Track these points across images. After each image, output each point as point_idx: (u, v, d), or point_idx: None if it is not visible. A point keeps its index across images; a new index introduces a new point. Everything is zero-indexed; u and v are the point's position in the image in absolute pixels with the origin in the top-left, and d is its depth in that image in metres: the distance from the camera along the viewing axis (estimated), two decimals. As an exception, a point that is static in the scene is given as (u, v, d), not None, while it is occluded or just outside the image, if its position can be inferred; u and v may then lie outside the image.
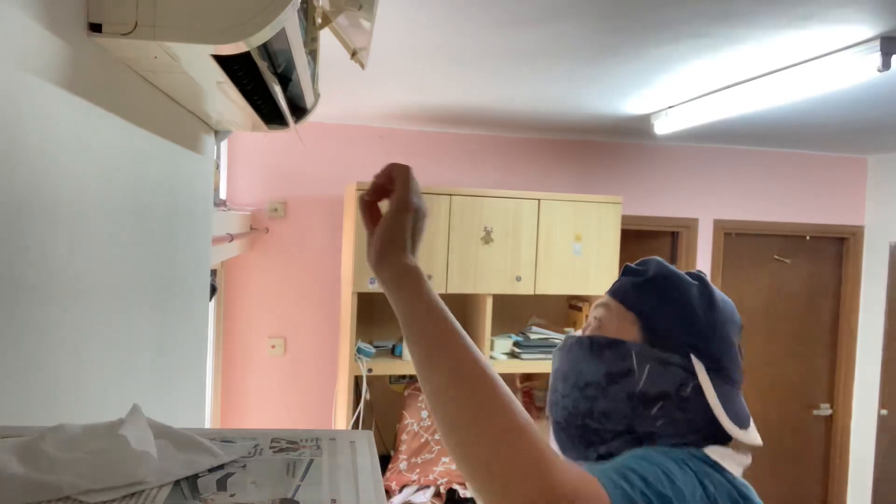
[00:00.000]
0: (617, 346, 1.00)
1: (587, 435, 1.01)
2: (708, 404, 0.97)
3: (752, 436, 0.99)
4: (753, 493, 0.91)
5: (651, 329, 1.01)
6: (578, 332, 1.10)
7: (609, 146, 4.19)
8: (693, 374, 0.98)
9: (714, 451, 0.94)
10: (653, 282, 1.04)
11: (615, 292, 1.07)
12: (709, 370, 0.99)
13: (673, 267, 1.07)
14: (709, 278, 1.08)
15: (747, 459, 0.96)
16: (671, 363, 0.98)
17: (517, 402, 0.75)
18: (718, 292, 1.06)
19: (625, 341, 1.01)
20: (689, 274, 1.08)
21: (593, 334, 1.04)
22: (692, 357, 0.99)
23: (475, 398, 0.74)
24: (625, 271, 1.10)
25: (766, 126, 3.47)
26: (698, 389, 0.98)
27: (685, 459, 0.89)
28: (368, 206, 0.94)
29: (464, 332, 0.79)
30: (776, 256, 4.53)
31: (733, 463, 0.94)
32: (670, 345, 0.99)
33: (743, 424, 0.99)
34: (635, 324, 1.02)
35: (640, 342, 1.00)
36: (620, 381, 0.98)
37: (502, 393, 0.74)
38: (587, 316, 1.14)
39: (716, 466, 0.91)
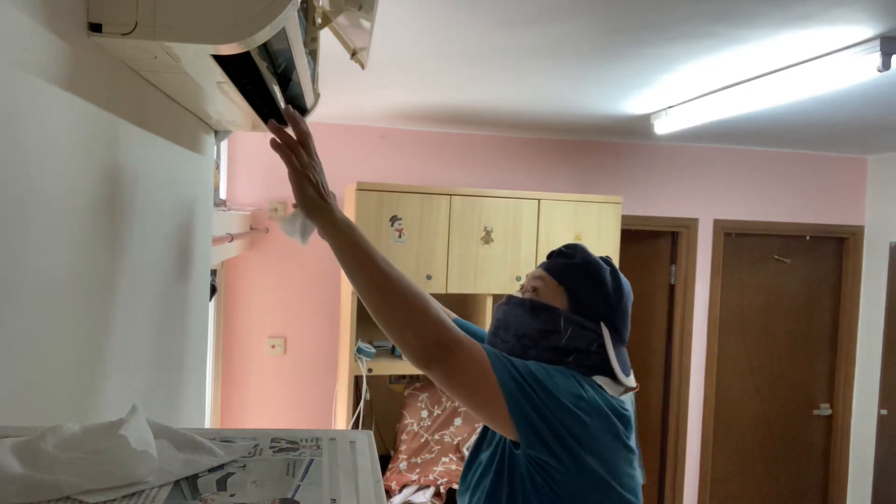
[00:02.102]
0: (551, 310, 1.34)
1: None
2: (607, 357, 1.32)
3: (631, 381, 1.36)
4: (627, 403, 1.29)
5: (576, 301, 1.35)
6: (518, 294, 1.43)
7: (609, 146, 4.19)
8: (600, 336, 1.33)
9: (598, 379, 1.31)
10: (581, 265, 1.38)
11: (551, 270, 1.40)
12: (611, 333, 1.34)
13: (592, 254, 1.42)
14: (616, 264, 1.46)
15: (621, 389, 1.34)
16: (587, 328, 1.33)
17: (421, 293, 1.22)
18: (622, 275, 1.40)
19: (557, 308, 1.35)
20: (602, 259, 1.42)
21: (534, 299, 1.37)
22: (601, 324, 1.34)
23: (389, 291, 1.21)
24: (558, 253, 1.43)
25: (766, 126, 3.47)
26: (602, 347, 1.32)
27: (573, 374, 1.26)
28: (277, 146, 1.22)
29: (373, 249, 1.24)
30: (776, 256, 4.53)
31: (611, 389, 1.31)
32: (588, 314, 1.34)
33: (627, 373, 1.36)
34: (564, 295, 1.36)
35: (566, 310, 1.35)
36: (549, 337, 1.32)
37: (409, 286, 1.22)
38: (523, 282, 1.51)
39: (596, 386, 1.28)
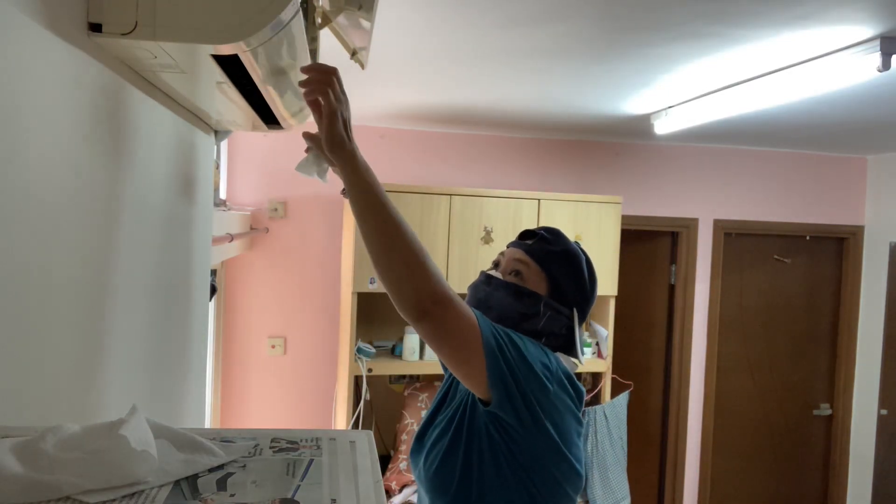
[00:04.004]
0: (533, 296, 1.40)
1: None
2: (573, 339, 1.43)
3: (584, 359, 1.50)
4: (574, 377, 1.37)
5: (556, 288, 1.42)
6: (496, 273, 1.46)
7: (609, 146, 4.19)
8: (572, 321, 1.43)
9: (559, 354, 1.43)
10: (563, 254, 1.44)
11: (535, 255, 1.44)
12: (579, 317, 1.44)
13: (570, 241, 1.48)
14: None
15: (573, 366, 1.46)
16: (562, 313, 1.41)
17: (424, 249, 1.21)
18: (592, 264, 1.48)
19: (539, 294, 1.41)
20: (576, 244, 1.48)
21: (518, 284, 1.42)
22: (574, 309, 1.43)
23: (397, 239, 1.20)
24: (540, 238, 1.46)
25: (766, 126, 3.47)
26: (571, 330, 1.42)
27: (540, 346, 1.35)
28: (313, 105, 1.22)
29: (387, 197, 1.24)
30: (776, 256, 4.53)
31: (567, 363, 1.42)
32: (565, 300, 1.42)
33: (583, 353, 1.48)
34: (546, 282, 1.42)
35: (546, 295, 1.41)
36: (529, 320, 1.39)
37: (415, 238, 1.21)
38: (501, 257, 1.52)
39: (558, 358, 1.39)
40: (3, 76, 0.67)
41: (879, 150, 4.19)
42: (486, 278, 1.46)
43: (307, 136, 1.27)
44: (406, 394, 3.62)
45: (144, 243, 1.16)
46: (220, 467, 0.60)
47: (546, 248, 1.44)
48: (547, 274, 1.42)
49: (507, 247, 1.51)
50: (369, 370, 3.33)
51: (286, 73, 1.17)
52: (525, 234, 1.49)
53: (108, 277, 0.99)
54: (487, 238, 3.43)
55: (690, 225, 4.29)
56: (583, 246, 1.52)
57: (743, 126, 3.46)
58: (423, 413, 1.58)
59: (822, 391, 4.62)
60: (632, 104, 3.04)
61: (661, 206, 4.25)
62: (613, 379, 3.67)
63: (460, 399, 1.37)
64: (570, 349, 1.44)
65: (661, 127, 3.25)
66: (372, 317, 3.70)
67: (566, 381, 1.33)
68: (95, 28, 0.83)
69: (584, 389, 1.41)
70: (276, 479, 0.58)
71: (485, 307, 1.40)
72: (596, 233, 3.57)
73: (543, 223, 3.49)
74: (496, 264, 1.49)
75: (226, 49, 0.86)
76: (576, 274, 1.44)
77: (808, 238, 4.49)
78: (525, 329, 1.37)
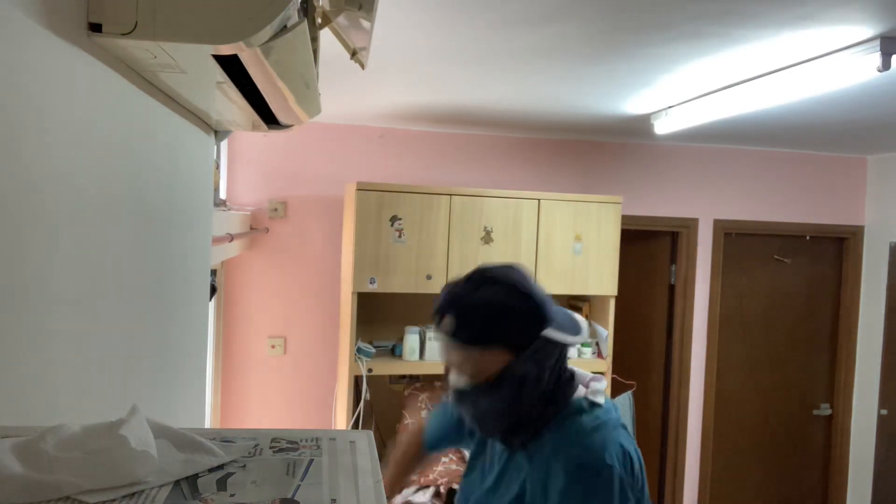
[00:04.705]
0: (503, 377, 1.25)
1: (521, 424, 1.31)
2: (564, 347, 1.31)
3: (584, 332, 1.35)
4: (628, 424, 1.32)
5: (509, 344, 1.25)
6: (459, 380, 1.30)
7: (609, 146, 4.19)
8: (552, 343, 1.27)
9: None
10: (486, 317, 1.25)
11: (469, 339, 1.26)
12: (553, 328, 1.28)
13: (487, 281, 1.28)
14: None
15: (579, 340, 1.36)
16: (538, 349, 1.26)
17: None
18: (525, 281, 1.30)
19: (504, 370, 1.24)
20: (503, 268, 1.31)
21: (479, 382, 1.26)
22: (542, 334, 1.26)
23: None
24: (453, 313, 1.26)
25: (766, 126, 3.47)
26: (554, 342, 1.28)
27: (618, 463, 1.25)
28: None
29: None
30: (776, 256, 4.53)
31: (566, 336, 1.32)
32: (527, 341, 1.25)
33: (577, 331, 1.33)
34: (496, 349, 1.25)
35: (510, 357, 1.25)
36: (523, 390, 1.25)
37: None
38: (445, 367, 1.36)
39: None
40: (2, 76, 0.67)
41: (879, 150, 4.19)
42: (455, 395, 1.33)
43: None
44: (406, 394, 3.63)
45: (144, 243, 1.16)
46: (220, 467, 0.60)
47: (469, 323, 1.25)
48: (493, 344, 1.26)
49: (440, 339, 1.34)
50: (369, 370, 3.33)
51: (287, 72, 1.16)
52: (438, 318, 1.29)
53: (108, 277, 0.99)
54: (487, 238, 3.43)
55: (690, 225, 4.29)
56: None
57: (743, 126, 3.46)
58: (469, 475, 1.46)
59: (822, 391, 4.61)
60: (632, 104, 3.04)
61: (661, 206, 4.25)
62: (615, 379, 3.67)
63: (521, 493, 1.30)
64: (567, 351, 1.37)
65: (661, 127, 3.25)
66: (372, 317, 3.70)
67: (641, 474, 1.29)
68: (95, 28, 0.83)
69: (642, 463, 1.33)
70: (276, 479, 0.58)
71: (482, 419, 1.31)
72: (596, 233, 3.57)
73: (543, 223, 3.49)
74: (447, 371, 1.34)
75: (226, 49, 0.86)
76: (512, 317, 1.26)
77: (808, 238, 4.49)
78: (536, 398, 1.27)
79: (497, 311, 1.25)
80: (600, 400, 1.33)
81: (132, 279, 1.10)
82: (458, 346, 1.28)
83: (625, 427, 1.33)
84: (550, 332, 1.27)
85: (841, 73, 2.15)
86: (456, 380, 1.31)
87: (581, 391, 1.35)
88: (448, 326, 1.26)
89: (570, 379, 1.35)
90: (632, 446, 1.30)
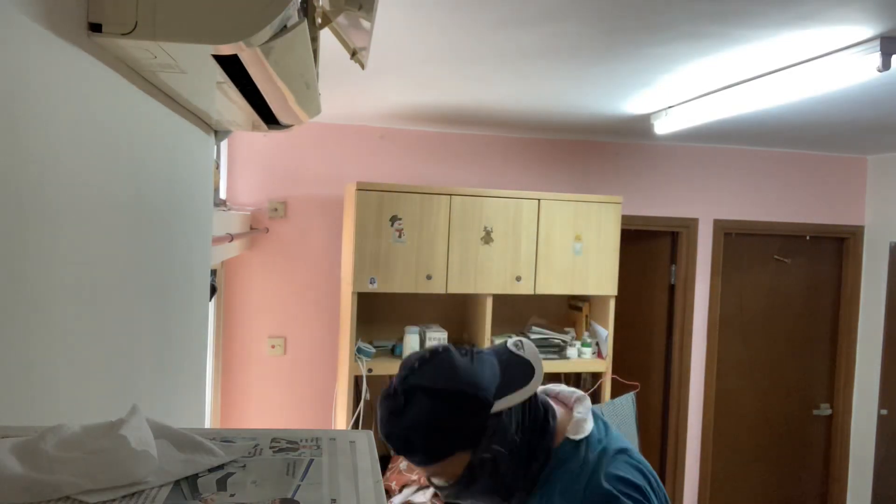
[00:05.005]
0: (473, 471, 1.19)
1: (512, 492, 1.26)
2: (519, 410, 1.21)
3: (537, 378, 1.24)
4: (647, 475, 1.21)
5: (462, 447, 1.18)
6: (438, 482, 1.26)
7: (609, 146, 4.19)
8: (505, 414, 1.19)
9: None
10: (426, 438, 1.18)
11: (422, 462, 1.22)
12: (503, 391, 1.19)
13: (411, 393, 1.19)
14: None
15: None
16: (494, 430, 1.18)
17: None
18: (449, 370, 1.19)
19: (470, 466, 1.19)
20: (424, 365, 1.21)
21: (456, 480, 1.21)
22: (490, 414, 1.18)
23: None
24: (400, 447, 1.21)
25: (767, 126, 3.47)
26: (508, 410, 1.20)
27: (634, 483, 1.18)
28: None
29: None
30: (776, 256, 4.53)
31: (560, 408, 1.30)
32: (477, 432, 1.17)
33: (529, 374, 1.23)
34: (453, 456, 1.19)
35: (470, 454, 1.18)
36: (500, 469, 1.19)
37: None
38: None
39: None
40: (3, 76, 0.67)
41: (879, 150, 4.19)
42: (444, 493, 1.27)
43: None
44: (406, 394, 3.62)
45: (144, 243, 1.16)
46: (220, 467, 0.60)
47: (411, 449, 1.20)
48: (444, 455, 1.20)
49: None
50: (369, 370, 3.33)
51: (287, 72, 1.16)
52: (388, 436, 1.23)
53: (108, 277, 0.99)
54: (487, 238, 3.43)
55: (690, 225, 4.29)
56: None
57: (743, 126, 3.46)
58: None
59: (822, 391, 4.61)
60: (632, 104, 3.04)
61: (661, 206, 4.25)
62: (616, 380, 3.67)
63: None
64: (547, 419, 1.25)
65: (661, 127, 3.25)
66: (372, 317, 3.70)
67: (654, 491, 1.20)
68: (95, 28, 0.83)
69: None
70: (276, 479, 0.58)
71: (486, 502, 1.26)
72: (596, 233, 3.57)
73: (543, 223, 3.49)
74: (430, 481, 1.30)
75: (226, 49, 0.86)
76: (448, 421, 1.18)
77: (808, 238, 4.49)
78: (514, 476, 1.22)
79: (432, 427, 1.18)
80: (586, 428, 1.26)
81: (132, 279, 1.10)
82: (418, 465, 1.25)
83: (618, 446, 1.24)
84: (500, 405, 1.19)
85: (841, 73, 2.15)
86: (437, 482, 1.27)
87: (565, 418, 1.28)
88: (399, 452, 1.23)
89: (543, 429, 1.24)
90: (630, 471, 1.20)
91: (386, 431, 1.22)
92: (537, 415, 1.24)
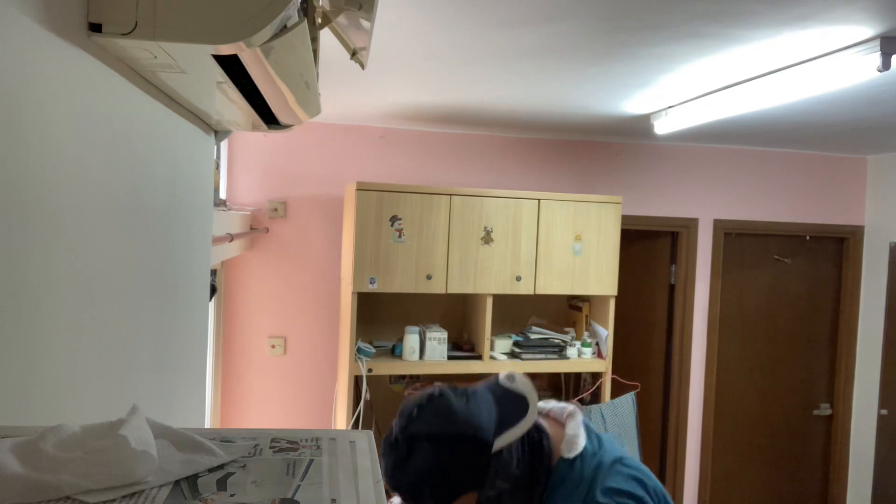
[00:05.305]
0: (494, 487, 1.21)
1: None
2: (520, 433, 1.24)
3: (532, 412, 1.27)
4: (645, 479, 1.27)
5: (469, 488, 1.21)
6: None
7: (609, 146, 4.19)
8: (507, 452, 1.22)
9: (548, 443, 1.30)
10: (432, 485, 1.20)
11: (433, 498, 1.23)
12: (501, 428, 1.22)
13: (412, 441, 1.22)
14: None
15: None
16: (496, 468, 1.20)
17: None
18: (447, 414, 1.23)
19: (486, 496, 1.21)
20: (423, 412, 1.24)
21: None
22: (491, 446, 1.21)
23: None
24: (407, 497, 1.24)
25: (767, 126, 3.47)
26: (509, 445, 1.22)
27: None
28: None
29: None
30: (776, 256, 4.53)
31: (553, 429, 1.32)
32: (481, 472, 1.20)
33: (524, 408, 1.26)
34: (462, 498, 1.22)
35: (477, 494, 1.22)
36: (506, 501, 1.23)
37: None
38: None
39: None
40: (3, 76, 0.67)
41: (879, 150, 4.19)
42: None
43: None
44: (406, 394, 3.62)
45: (144, 243, 1.16)
46: (220, 467, 0.60)
47: (419, 497, 1.23)
48: (452, 499, 1.23)
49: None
50: (369, 370, 3.33)
51: (287, 72, 1.16)
52: (395, 487, 1.26)
53: (108, 277, 0.99)
54: (487, 238, 3.43)
55: (690, 225, 4.29)
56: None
57: (743, 126, 3.46)
58: None
59: (822, 391, 4.61)
60: (632, 104, 3.04)
61: (661, 206, 4.25)
62: (616, 380, 3.66)
63: None
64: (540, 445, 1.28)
65: (661, 127, 3.25)
66: (372, 317, 3.70)
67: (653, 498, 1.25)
68: (95, 28, 0.83)
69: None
70: (276, 479, 0.58)
71: None
72: (596, 233, 3.57)
73: (543, 223, 3.49)
74: None
75: (226, 49, 0.86)
76: (452, 466, 1.21)
77: (808, 238, 4.49)
78: (535, 484, 1.26)
79: (438, 474, 1.21)
80: (579, 444, 1.29)
81: (132, 279, 1.10)
82: None
83: (612, 457, 1.27)
84: (500, 443, 1.22)
85: (841, 73, 2.15)
86: None
87: (558, 436, 1.31)
88: (408, 501, 1.26)
89: (541, 454, 1.28)
90: (625, 482, 1.23)
91: (394, 483, 1.24)
92: (534, 442, 1.27)
